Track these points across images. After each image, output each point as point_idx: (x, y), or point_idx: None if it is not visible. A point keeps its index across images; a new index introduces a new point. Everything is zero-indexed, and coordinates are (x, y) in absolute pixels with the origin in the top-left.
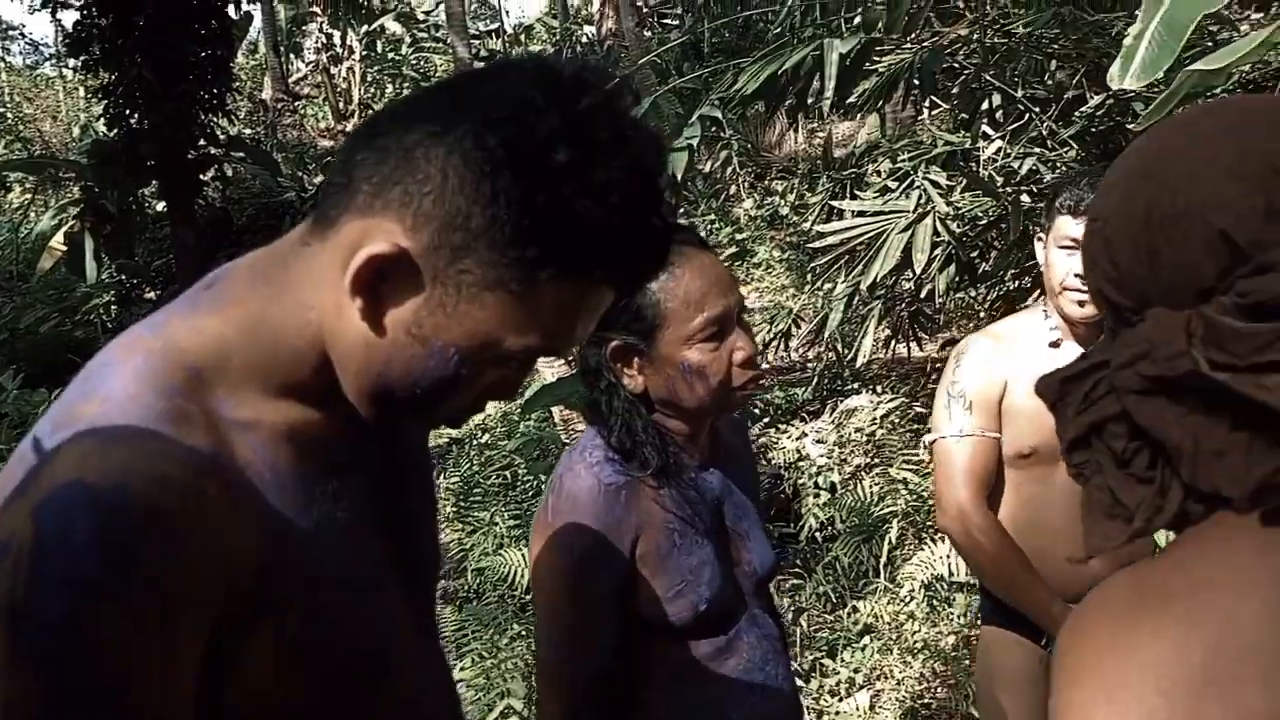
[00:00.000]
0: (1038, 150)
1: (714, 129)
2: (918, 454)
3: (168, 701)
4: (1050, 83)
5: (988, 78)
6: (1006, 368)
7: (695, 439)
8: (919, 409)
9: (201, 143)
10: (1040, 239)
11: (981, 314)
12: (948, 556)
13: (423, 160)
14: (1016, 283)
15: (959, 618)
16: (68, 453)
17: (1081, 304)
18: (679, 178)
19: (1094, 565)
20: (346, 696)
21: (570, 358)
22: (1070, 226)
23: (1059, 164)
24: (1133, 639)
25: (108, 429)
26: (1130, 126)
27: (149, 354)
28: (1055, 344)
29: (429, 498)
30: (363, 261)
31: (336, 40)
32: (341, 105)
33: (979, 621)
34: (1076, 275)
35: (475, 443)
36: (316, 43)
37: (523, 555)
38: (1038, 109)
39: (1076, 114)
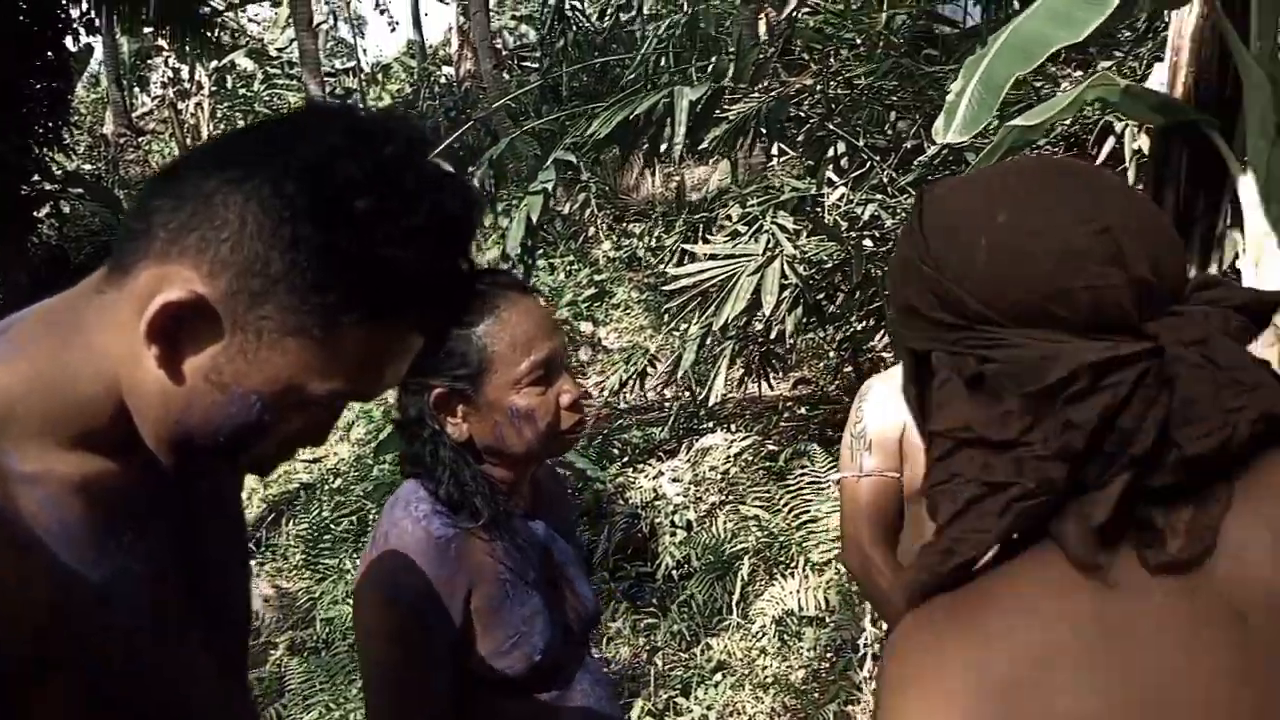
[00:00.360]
0: (879, 197)
1: (570, 172)
2: (769, 491)
3: None
4: (890, 132)
5: (832, 127)
6: (905, 409)
7: (519, 487)
8: (771, 447)
9: (36, 178)
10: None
11: (830, 354)
12: (797, 592)
13: (220, 206)
14: (862, 324)
15: (808, 652)
16: None
17: None
18: (534, 220)
19: None
20: None
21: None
22: None
23: (899, 210)
24: (948, 650)
25: None
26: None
27: None
28: None
29: (237, 545)
30: (158, 308)
31: (184, 75)
32: (189, 141)
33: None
34: None
35: (326, 488)
36: (163, 77)
37: None
38: (879, 157)
39: (915, 162)
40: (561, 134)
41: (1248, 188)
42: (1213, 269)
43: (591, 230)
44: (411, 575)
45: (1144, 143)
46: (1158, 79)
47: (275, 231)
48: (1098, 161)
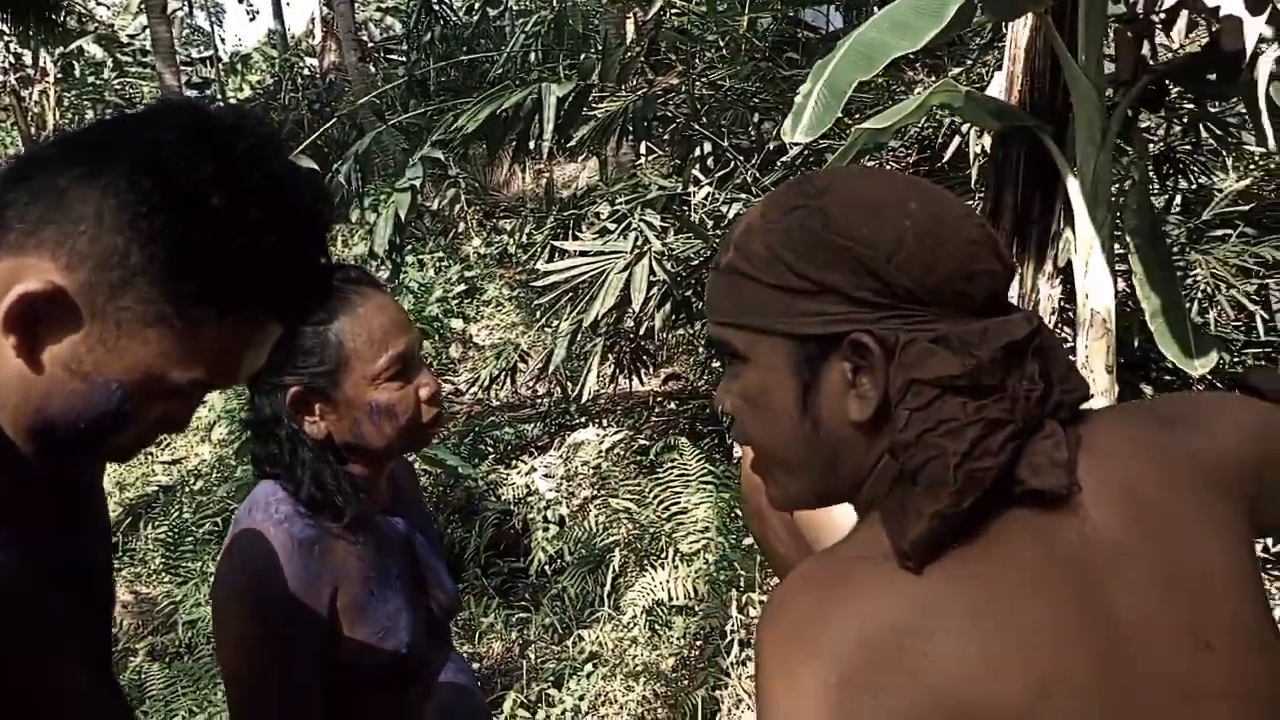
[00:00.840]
0: (743, 196)
1: (438, 168)
2: (639, 485)
3: None
4: (754, 133)
5: (697, 127)
6: None
7: (378, 483)
8: (642, 441)
9: None
10: None
11: (699, 350)
12: (667, 582)
13: (77, 201)
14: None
15: (678, 640)
16: None
17: None
18: (403, 216)
19: None
20: (35, 713)
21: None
22: None
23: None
24: (832, 603)
25: None
26: None
27: None
28: None
29: (103, 540)
30: (15, 298)
31: (27, 60)
32: (34, 130)
33: None
34: None
35: (187, 489)
36: (3, 62)
37: None
38: (743, 157)
39: (778, 163)
40: (429, 129)
41: (1077, 191)
42: (1047, 267)
43: (461, 226)
44: (273, 579)
45: (986, 145)
46: (997, 87)
47: (133, 225)
48: (943, 161)
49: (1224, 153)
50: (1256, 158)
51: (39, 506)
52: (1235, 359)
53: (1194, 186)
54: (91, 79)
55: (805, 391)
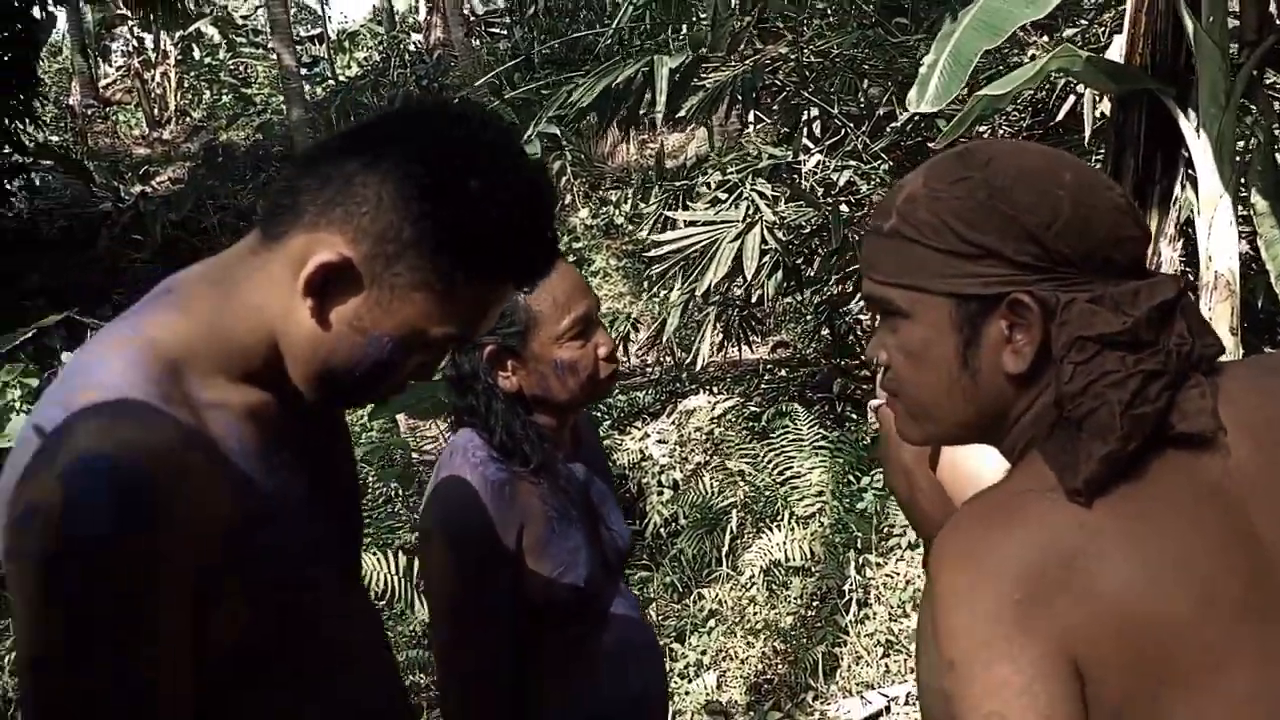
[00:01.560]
0: (853, 163)
1: (550, 142)
2: (753, 449)
3: (169, 637)
4: (862, 100)
5: (806, 94)
6: None
7: (561, 433)
8: (753, 408)
9: (7, 150)
10: None
11: (808, 318)
12: (783, 544)
13: (360, 186)
14: (840, 287)
15: (795, 599)
16: (83, 429)
17: None
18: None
19: None
20: (300, 644)
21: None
22: None
23: (873, 176)
24: (1000, 531)
25: (116, 408)
26: (932, 144)
27: (136, 348)
28: None
29: (352, 467)
30: (314, 268)
31: (149, 44)
32: (156, 111)
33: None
34: None
35: None
36: (127, 47)
37: (377, 559)
38: (852, 124)
39: (888, 129)
40: (540, 103)
41: (1201, 152)
42: (1169, 229)
43: (568, 198)
44: (471, 515)
45: (1105, 108)
46: (1116, 50)
47: (406, 206)
48: (1056, 124)
49: None
50: None
51: (310, 437)
52: None
53: None
54: (208, 60)
55: (965, 346)
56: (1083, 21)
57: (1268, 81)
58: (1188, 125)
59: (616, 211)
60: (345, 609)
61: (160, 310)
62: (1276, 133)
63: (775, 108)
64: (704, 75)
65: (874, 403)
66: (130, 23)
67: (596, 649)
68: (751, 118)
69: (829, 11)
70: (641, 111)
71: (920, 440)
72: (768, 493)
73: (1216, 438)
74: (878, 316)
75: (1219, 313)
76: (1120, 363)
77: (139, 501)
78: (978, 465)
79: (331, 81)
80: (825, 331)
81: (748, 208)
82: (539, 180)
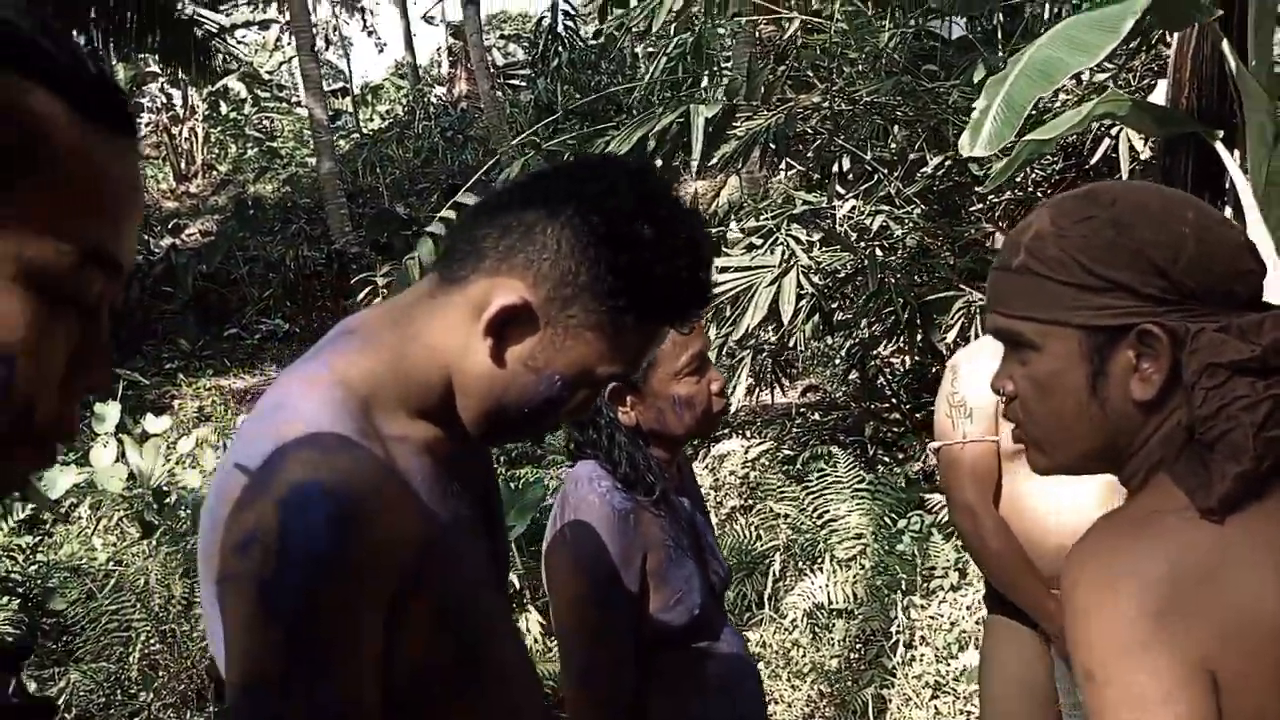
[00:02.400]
0: (886, 208)
1: None
2: (793, 491)
3: (369, 657)
4: (893, 146)
5: (839, 141)
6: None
7: (671, 466)
8: (786, 452)
9: None
10: None
11: (837, 361)
12: (826, 586)
13: (540, 234)
14: (870, 330)
15: (840, 642)
16: (295, 459)
17: None
18: None
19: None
20: (469, 662)
21: None
22: None
23: (906, 220)
24: (1144, 549)
25: (323, 441)
26: (978, 189)
27: (329, 386)
28: None
29: (499, 495)
30: (497, 310)
31: (177, 100)
32: (183, 166)
33: (984, 612)
34: None
35: None
36: (155, 103)
37: None
38: (885, 170)
39: (919, 174)
40: (576, 153)
41: (1248, 193)
42: None
43: None
44: (599, 543)
45: (1140, 148)
46: (1160, 94)
47: (584, 253)
48: (1089, 166)
49: None
50: None
51: (474, 473)
52: None
53: None
54: (234, 115)
55: (1095, 376)
56: (1110, 66)
57: None
58: (1234, 167)
59: None
60: (507, 630)
61: (345, 350)
62: None
63: (809, 155)
64: (736, 124)
65: (933, 445)
66: (160, 79)
67: (706, 674)
68: (783, 165)
69: (859, 60)
70: (675, 162)
71: (1047, 470)
72: (808, 535)
73: None
74: (1003, 349)
75: None
76: (1250, 388)
77: (351, 525)
78: (1038, 502)
79: (356, 135)
80: (854, 375)
81: (783, 252)
82: (699, 228)
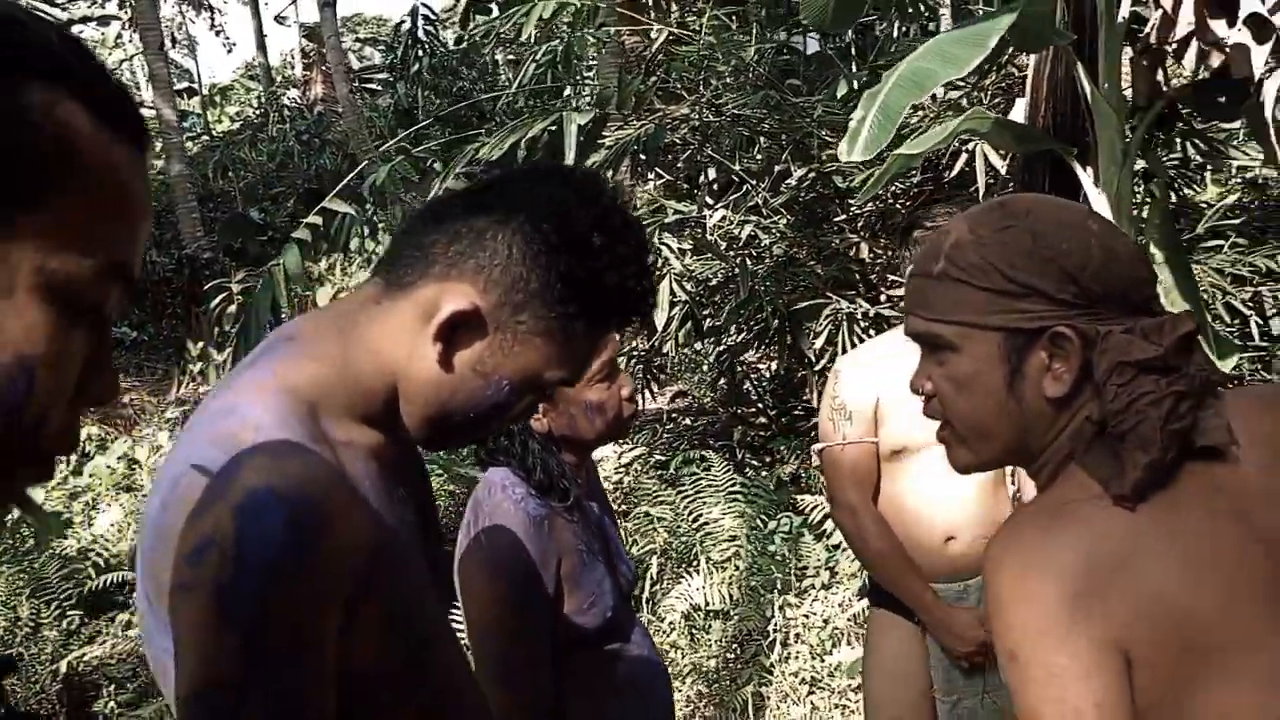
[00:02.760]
0: (755, 218)
1: None
2: (667, 495)
3: (325, 663)
4: (759, 157)
5: (709, 151)
6: (878, 380)
7: (580, 468)
8: (659, 456)
9: None
10: (905, 269)
11: (705, 367)
12: (703, 587)
13: (491, 240)
14: (740, 336)
15: (717, 642)
16: (249, 466)
17: None
18: None
19: (953, 545)
20: (417, 665)
21: None
22: None
23: (774, 230)
24: (1055, 538)
25: (276, 448)
26: (852, 201)
27: (276, 392)
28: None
29: (436, 511)
30: (449, 314)
31: None
32: None
33: (867, 605)
34: None
35: None
36: None
37: None
38: (752, 181)
39: (784, 186)
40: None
41: (1102, 207)
42: None
43: None
44: (516, 548)
45: (997, 162)
46: (1019, 112)
47: (535, 260)
48: (946, 180)
49: (1208, 168)
50: (1233, 171)
51: (413, 477)
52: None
53: (1175, 201)
54: None
55: (1012, 375)
56: (962, 84)
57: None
58: (1088, 182)
59: None
60: (449, 635)
61: (288, 356)
62: (1166, 190)
63: (678, 165)
64: (606, 133)
65: (816, 446)
66: None
67: (618, 676)
68: (652, 174)
69: (726, 73)
70: None
71: (968, 465)
72: (683, 538)
73: (1230, 451)
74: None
75: None
76: (1155, 384)
77: (307, 531)
78: (915, 500)
79: (206, 137)
80: (723, 381)
81: (656, 259)
82: (643, 238)
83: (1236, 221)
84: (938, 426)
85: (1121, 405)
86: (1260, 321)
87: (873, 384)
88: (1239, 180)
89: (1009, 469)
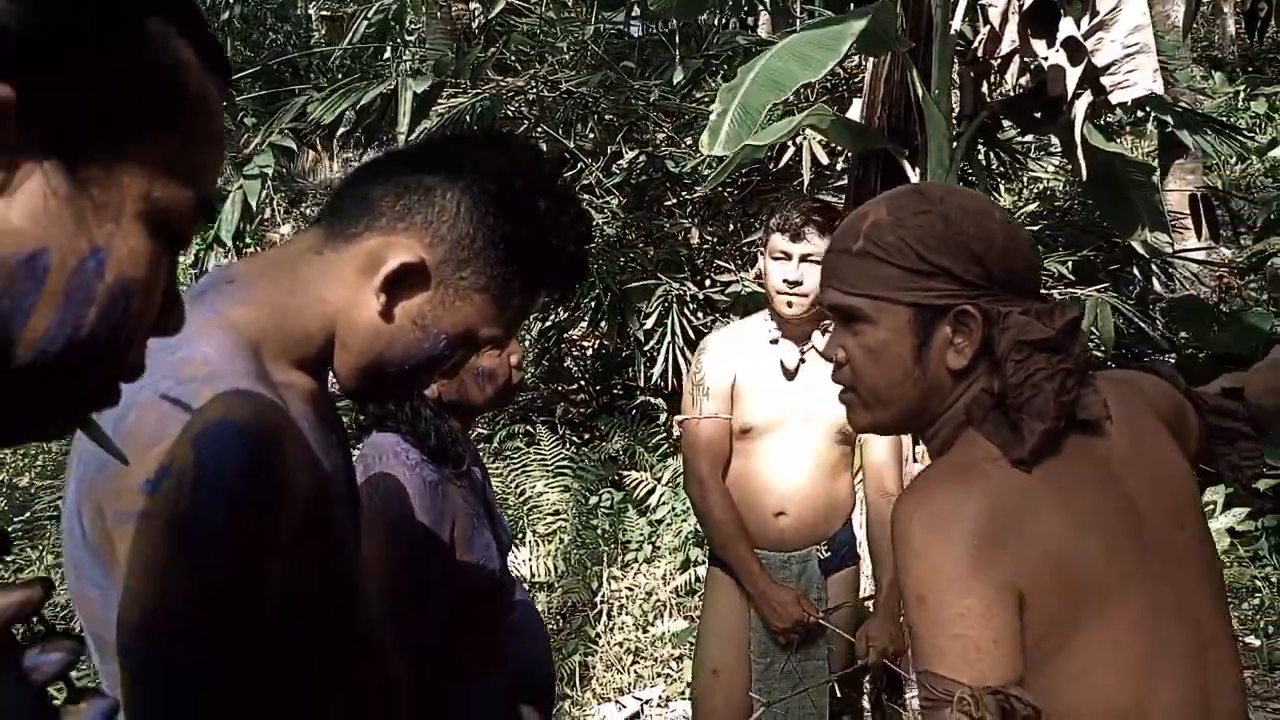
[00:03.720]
0: (588, 196)
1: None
2: (494, 468)
3: (269, 600)
4: (592, 136)
5: (544, 127)
6: (736, 361)
7: (467, 434)
8: (482, 430)
9: None
10: (761, 252)
11: (526, 342)
12: (529, 560)
13: (439, 197)
14: (568, 314)
15: (544, 613)
16: (209, 398)
17: (790, 304)
18: (253, 204)
19: (783, 520)
20: (344, 610)
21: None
22: (781, 241)
23: (606, 208)
24: (960, 495)
25: (230, 381)
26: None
27: (223, 330)
28: (774, 340)
29: (354, 468)
30: (397, 265)
31: None
32: None
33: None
34: (785, 280)
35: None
36: None
37: None
38: (586, 159)
39: (615, 167)
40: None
41: None
42: None
43: (267, 213)
44: (409, 512)
45: (822, 156)
46: (856, 112)
47: (482, 219)
48: (773, 172)
49: (1011, 177)
50: (1025, 182)
51: (338, 424)
52: None
53: None
54: None
55: (919, 346)
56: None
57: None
58: (918, 181)
59: None
60: (366, 583)
61: (228, 298)
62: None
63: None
64: (441, 101)
65: (679, 417)
66: None
67: (505, 628)
68: None
69: (564, 50)
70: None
71: (866, 426)
72: (510, 511)
73: (1104, 425)
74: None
75: None
76: (1048, 361)
77: (263, 464)
78: (758, 478)
79: None
80: (545, 360)
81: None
82: (581, 206)
83: (1036, 228)
84: (840, 390)
85: (1020, 379)
86: None
87: (731, 364)
88: (1031, 191)
89: (908, 447)
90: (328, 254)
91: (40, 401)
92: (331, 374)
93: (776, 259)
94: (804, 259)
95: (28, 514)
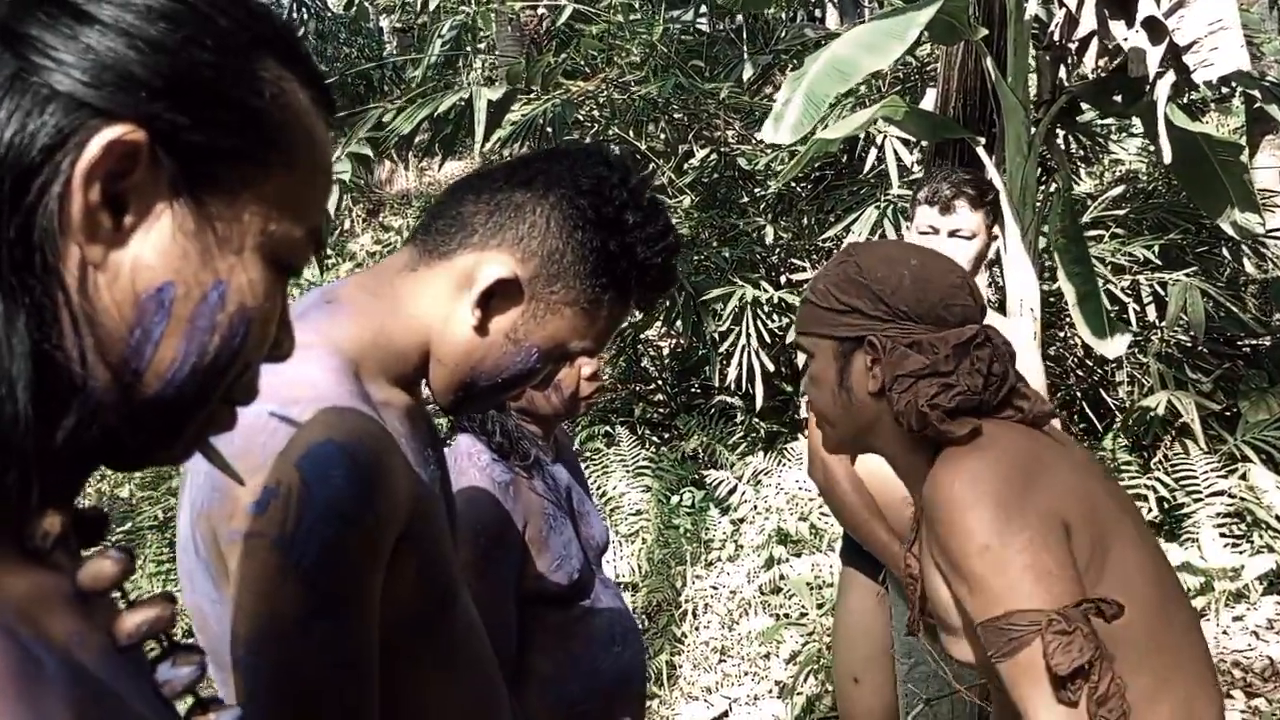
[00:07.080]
0: (661, 197)
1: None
2: None
3: (376, 609)
4: (663, 137)
5: (615, 129)
6: None
7: (547, 440)
8: None
9: None
10: (907, 229)
11: (612, 346)
12: (613, 560)
13: (530, 213)
14: (643, 314)
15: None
16: (313, 420)
17: None
18: (333, 214)
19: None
20: (441, 615)
21: None
22: (929, 214)
23: (678, 209)
24: (970, 462)
25: (333, 403)
26: (772, 182)
27: (321, 351)
28: None
29: (449, 477)
30: (493, 280)
31: None
32: None
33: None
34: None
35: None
36: None
37: None
38: (658, 160)
39: (687, 166)
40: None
41: (1006, 195)
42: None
43: (346, 223)
44: (482, 513)
45: (903, 153)
46: (929, 102)
47: (571, 234)
48: (844, 166)
49: (1092, 161)
50: (1106, 165)
51: (435, 439)
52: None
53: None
54: None
55: (841, 373)
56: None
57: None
58: (994, 170)
59: (399, 238)
60: (466, 590)
61: (328, 318)
62: (1070, 180)
63: (586, 141)
64: (513, 109)
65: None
66: None
67: (592, 628)
68: None
69: (633, 52)
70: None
71: (832, 447)
72: None
73: (1050, 418)
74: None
75: (1031, 351)
76: (929, 385)
77: (366, 484)
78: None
79: None
80: (622, 360)
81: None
82: (669, 218)
83: (1121, 213)
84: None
85: (902, 407)
86: (1138, 308)
87: None
88: (1113, 175)
89: None
90: (422, 271)
91: (167, 428)
92: (425, 387)
93: (924, 234)
94: (953, 234)
95: (129, 524)
